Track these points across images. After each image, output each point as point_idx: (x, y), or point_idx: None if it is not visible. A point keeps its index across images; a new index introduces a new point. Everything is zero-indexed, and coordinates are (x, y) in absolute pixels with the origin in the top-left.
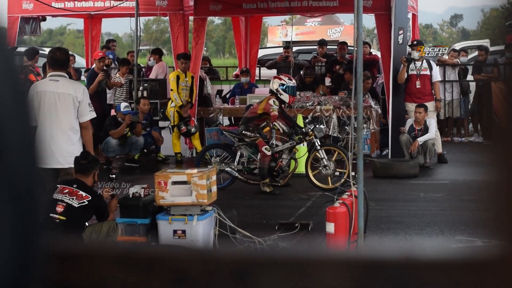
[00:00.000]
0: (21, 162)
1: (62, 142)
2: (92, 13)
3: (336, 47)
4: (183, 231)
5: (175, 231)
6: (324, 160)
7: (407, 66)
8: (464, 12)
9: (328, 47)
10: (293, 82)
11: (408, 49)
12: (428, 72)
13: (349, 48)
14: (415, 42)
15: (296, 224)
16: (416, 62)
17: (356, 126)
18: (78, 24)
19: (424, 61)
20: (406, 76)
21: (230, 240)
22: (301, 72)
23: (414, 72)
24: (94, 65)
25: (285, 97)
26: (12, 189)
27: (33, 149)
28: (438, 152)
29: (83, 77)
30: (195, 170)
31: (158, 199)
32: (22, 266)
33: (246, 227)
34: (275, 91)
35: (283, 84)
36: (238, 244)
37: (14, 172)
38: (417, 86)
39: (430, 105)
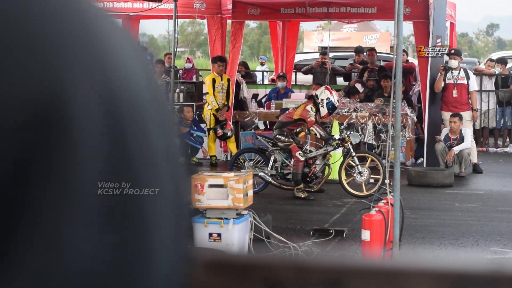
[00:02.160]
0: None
1: None
2: (131, 14)
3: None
4: (219, 235)
5: (210, 234)
6: (358, 166)
7: (444, 75)
8: (501, 21)
9: (365, 53)
10: (338, 103)
11: (446, 57)
12: (465, 82)
13: (384, 55)
14: (452, 51)
15: (331, 231)
16: (454, 71)
17: (393, 133)
18: None
19: (462, 70)
20: (443, 85)
21: (265, 245)
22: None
23: (451, 81)
24: None
25: (323, 111)
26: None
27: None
28: (473, 162)
29: None
30: (232, 174)
31: (194, 201)
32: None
33: (280, 232)
34: (319, 99)
35: (329, 99)
36: (273, 249)
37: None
38: (454, 95)
39: (467, 114)
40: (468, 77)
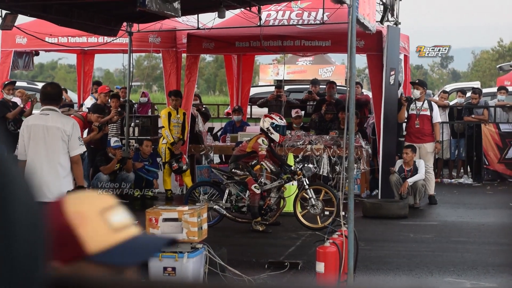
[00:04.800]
0: None
1: (50, 175)
2: (86, 48)
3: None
4: (173, 268)
5: (165, 268)
6: (312, 199)
7: (408, 106)
8: (455, 53)
9: (321, 86)
10: (283, 122)
11: (401, 90)
12: (428, 113)
13: (338, 87)
14: (417, 81)
15: (286, 263)
16: (417, 102)
17: (347, 165)
18: (70, 58)
19: (426, 101)
20: (406, 116)
21: (220, 278)
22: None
23: (414, 112)
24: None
25: (276, 136)
26: None
27: None
28: (429, 194)
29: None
30: (186, 207)
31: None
32: None
33: (235, 265)
34: (265, 130)
35: (273, 124)
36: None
37: None
38: (416, 126)
39: (429, 146)
40: (431, 109)
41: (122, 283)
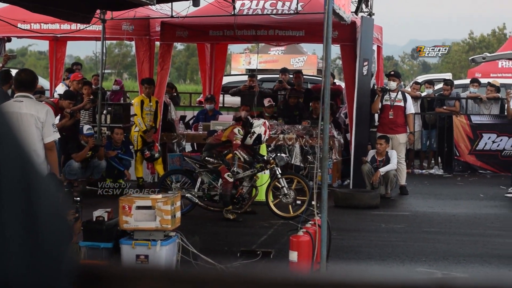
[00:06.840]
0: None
1: None
2: (59, 35)
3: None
4: (146, 256)
5: (137, 256)
6: (284, 188)
7: (382, 96)
8: (426, 45)
9: (291, 76)
10: (264, 141)
11: (385, 79)
12: (402, 104)
13: (310, 77)
14: (392, 73)
15: (258, 252)
16: (391, 93)
17: (321, 155)
18: (40, 45)
19: (400, 92)
20: (380, 106)
21: (193, 266)
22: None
23: (388, 103)
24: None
25: (249, 141)
26: None
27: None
28: (401, 184)
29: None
30: (159, 195)
31: (122, 223)
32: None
33: (208, 254)
34: (251, 130)
35: (260, 135)
36: None
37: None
38: (390, 117)
39: (402, 137)
40: (405, 100)
41: (151, 273)
